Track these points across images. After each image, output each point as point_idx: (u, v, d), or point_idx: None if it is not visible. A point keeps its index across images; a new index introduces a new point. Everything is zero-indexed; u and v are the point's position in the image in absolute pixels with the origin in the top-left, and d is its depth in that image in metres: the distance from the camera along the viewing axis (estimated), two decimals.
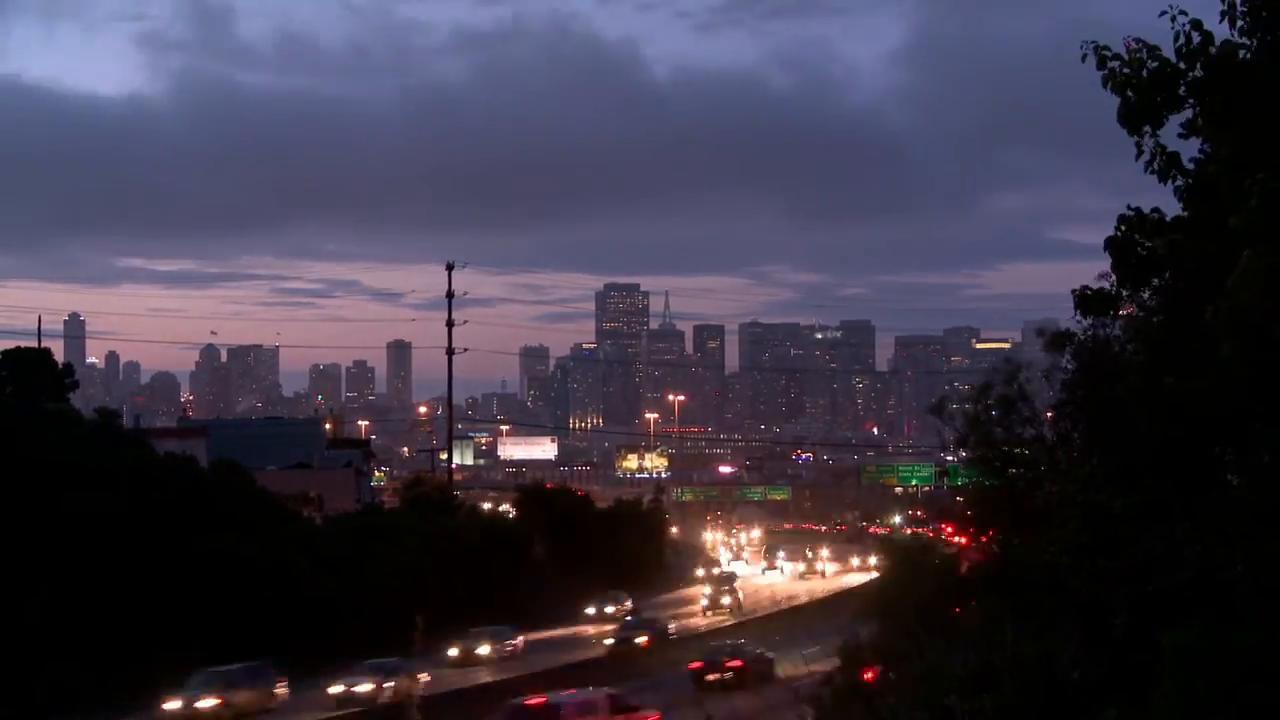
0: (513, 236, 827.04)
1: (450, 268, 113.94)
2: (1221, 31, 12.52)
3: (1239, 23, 12.30)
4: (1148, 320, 15.91)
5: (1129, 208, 13.20)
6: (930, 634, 23.27)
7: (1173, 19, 12.42)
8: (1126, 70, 12.58)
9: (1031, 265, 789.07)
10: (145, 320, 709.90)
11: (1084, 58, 12.73)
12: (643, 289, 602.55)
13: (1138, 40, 12.59)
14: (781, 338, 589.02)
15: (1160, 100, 12.47)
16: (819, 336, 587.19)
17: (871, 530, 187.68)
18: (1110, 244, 13.25)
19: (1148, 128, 12.62)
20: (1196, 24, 12.42)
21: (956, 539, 42.58)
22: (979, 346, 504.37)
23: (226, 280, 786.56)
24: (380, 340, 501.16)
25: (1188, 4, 12.59)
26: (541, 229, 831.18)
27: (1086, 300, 13.98)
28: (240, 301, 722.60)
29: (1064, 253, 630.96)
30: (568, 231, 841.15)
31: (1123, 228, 13.14)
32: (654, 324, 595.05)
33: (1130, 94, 12.54)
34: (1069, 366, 26.05)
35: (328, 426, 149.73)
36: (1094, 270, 15.79)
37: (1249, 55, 12.39)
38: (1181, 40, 12.38)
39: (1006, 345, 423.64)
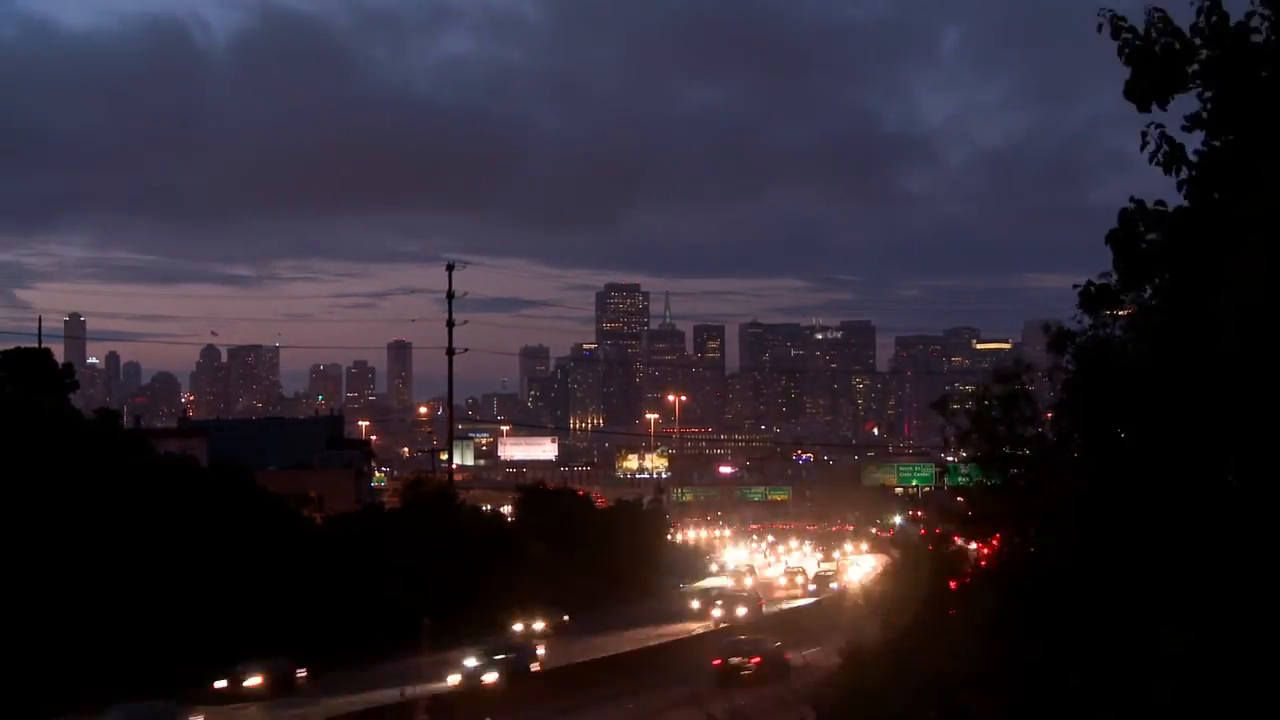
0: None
1: (450, 268, 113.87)
2: (1241, 7, 12.34)
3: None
4: (1149, 316, 15.78)
5: (1131, 200, 13.03)
6: (931, 634, 23.17)
7: None
8: (1140, 42, 12.37)
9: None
10: (196, 322, 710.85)
11: (1100, 27, 12.53)
12: (643, 289, 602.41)
13: (1158, 10, 12.39)
14: (781, 338, 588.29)
15: (1168, 77, 12.28)
16: (819, 337, 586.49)
17: (877, 532, 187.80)
18: (1112, 238, 13.09)
19: (1154, 106, 12.45)
20: (1215, 4, 12.25)
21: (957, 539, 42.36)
22: (979, 347, 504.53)
23: (290, 280, 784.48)
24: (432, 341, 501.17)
25: None
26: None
27: (1090, 296, 13.82)
28: (306, 302, 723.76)
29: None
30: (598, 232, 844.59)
31: (1125, 221, 12.99)
32: (654, 324, 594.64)
33: (1142, 67, 12.34)
34: (1069, 366, 25.87)
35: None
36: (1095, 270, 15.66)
37: (1265, 38, 12.22)
38: (1201, 19, 12.22)
39: (1007, 346, 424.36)
